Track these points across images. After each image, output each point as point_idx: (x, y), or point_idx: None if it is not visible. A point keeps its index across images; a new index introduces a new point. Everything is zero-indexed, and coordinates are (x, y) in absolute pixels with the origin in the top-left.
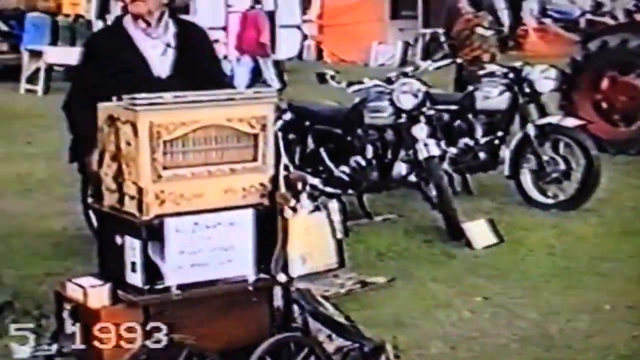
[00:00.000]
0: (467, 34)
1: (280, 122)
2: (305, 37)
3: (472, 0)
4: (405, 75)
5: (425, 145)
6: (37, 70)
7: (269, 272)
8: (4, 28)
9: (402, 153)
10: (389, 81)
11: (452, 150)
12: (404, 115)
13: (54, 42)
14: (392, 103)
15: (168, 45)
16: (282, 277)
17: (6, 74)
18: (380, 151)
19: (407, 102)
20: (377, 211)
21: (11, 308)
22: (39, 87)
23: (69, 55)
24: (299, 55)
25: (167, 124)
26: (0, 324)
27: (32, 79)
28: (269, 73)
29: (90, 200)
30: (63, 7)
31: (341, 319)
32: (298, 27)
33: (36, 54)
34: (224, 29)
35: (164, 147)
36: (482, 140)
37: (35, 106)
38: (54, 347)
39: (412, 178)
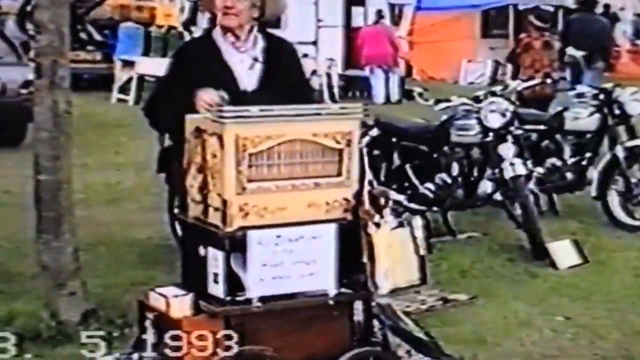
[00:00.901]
0: (530, 49)
1: (367, 138)
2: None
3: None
4: (494, 94)
5: (512, 164)
6: (129, 80)
7: (350, 287)
8: (98, 38)
9: (488, 171)
10: (477, 100)
11: (539, 170)
12: (491, 134)
13: (146, 53)
14: (479, 122)
15: (256, 59)
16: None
17: (99, 83)
18: (466, 169)
19: (495, 121)
20: (461, 229)
21: (95, 316)
22: (130, 97)
23: (161, 66)
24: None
25: (253, 137)
26: (85, 332)
27: (124, 88)
28: (394, 86)
29: (176, 210)
30: (156, 18)
31: (421, 335)
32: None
33: (128, 64)
34: (314, 43)
35: (249, 159)
36: (570, 161)
37: (125, 116)
38: (135, 356)
39: (498, 196)
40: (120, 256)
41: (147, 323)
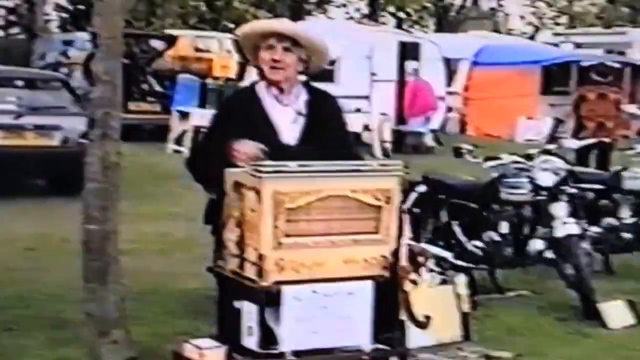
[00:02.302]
0: (585, 100)
1: (414, 194)
2: (449, 109)
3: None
4: (547, 152)
5: (564, 223)
6: (185, 131)
7: (385, 343)
8: (158, 89)
9: (540, 230)
10: (529, 158)
11: (594, 229)
12: (543, 192)
13: (202, 104)
14: (531, 180)
15: (299, 113)
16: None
17: (158, 134)
18: (516, 227)
19: (547, 180)
20: (510, 287)
21: None
22: (185, 148)
23: None
24: (442, 127)
25: (291, 192)
26: None
27: (180, 139)
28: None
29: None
30: (213, 69)
31: None
32: (442, 99)
33: (184, 115)
34: (367, 97)
35: (286, 214)
36: (628, 221)
37: (180, 167)
38: None
39: (549, 255)
40: (168, 306)
41: None
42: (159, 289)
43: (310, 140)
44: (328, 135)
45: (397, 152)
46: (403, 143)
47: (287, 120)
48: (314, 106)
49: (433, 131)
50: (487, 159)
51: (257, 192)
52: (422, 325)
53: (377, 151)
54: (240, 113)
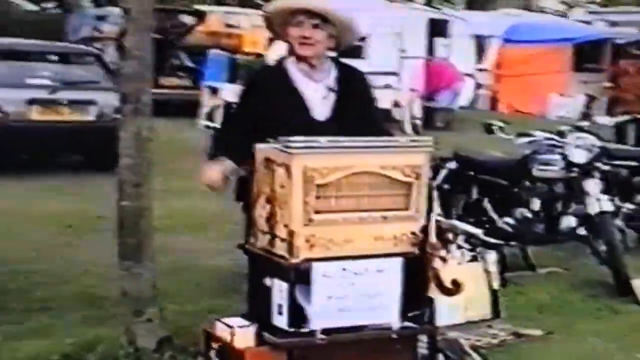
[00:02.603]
0: (626, 74)
1: (444, 171)
2: (479, 85)
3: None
4: (580, 129)
5: (598, 200)
6: (216, 106)
7: (414, 321)
8: (189, 64)
9: (572, 207)
10: (562, 134)
11: (628, 206)
12: (575, 169)
13: (232, 80)
14: (563, 157)
15: (329, 89)
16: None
17: (188, 109)
18: (548, 204)
19: (580, 157)
20: (541, 263)
21: (170, 344)
22: (216, 124)
23: None
24: (472, 104)
25: (321, 168)
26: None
27: (210, 115)
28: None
29: (246, 240)
30: (244, 45)
31: None
32: (470, 76)
33: (214, 91)
34: (396, 74)
35: (316, 191)
36: None
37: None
38: None
39: (582, 232)
40: (199, 283)
41: (212, 353)
42: (190, 266)
43: (340, 116)
44: (358, 112)
45: (427, 129)
46: (433, 119)
47: (318, 96)
48: (343, 82)
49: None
50: (519, 135)
51: (287, 168)
52: (452, 292)
53: (407, 127)
54: (269, 88)
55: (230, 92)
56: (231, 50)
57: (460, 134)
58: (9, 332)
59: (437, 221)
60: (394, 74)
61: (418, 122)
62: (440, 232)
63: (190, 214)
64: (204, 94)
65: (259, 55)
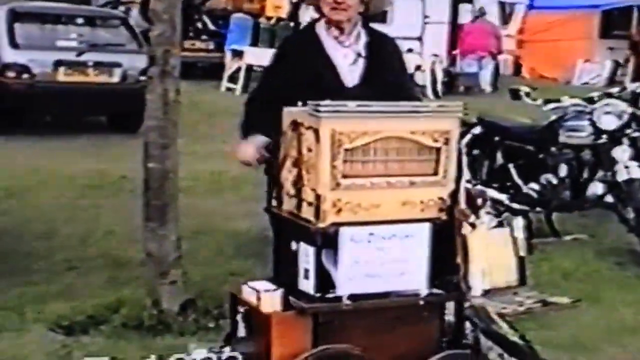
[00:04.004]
0: None
1: (468, 136)
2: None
3: None
4: (610, 95)
5: (627, 167)
6: (238, 69)
7: (442, 287)
8: (212, 28)
9: (600, 173)
10: (591, 101)
11: None
12: (604, 135)
13: (254, 44)
14: (592, 123)
15: (359, 54)
16: (476, 292)
17: (211, 72)
18: (575, 170)
19: (610, 123)
20: (567, 230)
21: (193, 306)
22: (238, 86)
23: (267, 56)
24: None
25: (349, 132)
26: (182, 322)
27: (233, 77)
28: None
29: (271, 203)
30: (266, 9)
31: (515, 339)
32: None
33: (238, 54)
34: (419, 39)
35: (344, 155)
36: None
37: (234, 104)
38: (227, 350)
39: (609, 199)
40: (220, 246)
41: (238, 317)
42: (211, 229)
43: (369, 82)
44: (388, 78)
45: (449, 94)
46: (455, 84)
47: (347, 61)
48: (373, 48)
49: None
50: (546, 101)
51: (316, 132)
52: (468, 288)
53: (430, 92)
54: (300, 54)
55: (253, 55)
56: (254, 15)
57: (482, 99)
58: (34, 293)
59: (467, 187)
60: (416, 38)
61: (440, 86)
62: (470, 197)
63: (211, 176)
64: (227, 57)
65: (281, 20)
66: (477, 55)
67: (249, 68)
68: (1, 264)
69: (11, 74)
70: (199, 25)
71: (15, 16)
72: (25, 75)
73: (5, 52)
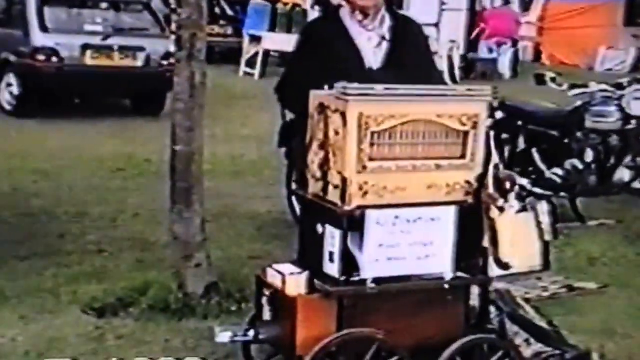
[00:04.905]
0: None
1: (490, 120)
2: (522, 38)
3: None
4: (639, 81)
5: None
6: (256, 54)
7: (467, 271)
8: (230, 13)
9: (627, 159)
10: (619, 87)
11: None
12: (633, 121)
13: (272, 29)
14: (620, 109)
15: (383, 38)
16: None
17: (229, 57)
18: (601, 156)
19: (639, 109)
20: (592, 215)
21: (217, 289)
22: (256, 71)
23: (285, 41)
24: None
25: (376, 115)
26: (206, 306)
27: (251, 62)
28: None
29: (294, 186)
30: None
31: (542, 324)
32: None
33: (255, 39)
34: (436, 25)
35: (371, 138)
36: None
37: (251, 89)
38: (252, 332)
39: (637, 185)
40: (240, 229)
41: (264, 300)
42: (231, 212)
43: (393, 65)
44: (412, 61)
45: (466, 79)
46: (473, 70)
47: (371, 45)
48: (398, 32)
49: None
50: (572, 86)
51: (343, 115)
52: (505, 267)
53: (447, 77)
54: (324, 38)
55: (271, 40)
56: (272, 0)
57: (501, 85)
58: (68, 275)
59: (495, 170)
60: (433, 25)
61: (457, 72)
62: (498, 181)
63: (231, 159)
64: (245, 42)
65: (297, 5)
66: (496, 40)
67: (267, 53)
68: (37, 244)
69: (41, 58)
70: (217, 10)
71: (44, 0)
72: (54, 59)
73: (36, 35)
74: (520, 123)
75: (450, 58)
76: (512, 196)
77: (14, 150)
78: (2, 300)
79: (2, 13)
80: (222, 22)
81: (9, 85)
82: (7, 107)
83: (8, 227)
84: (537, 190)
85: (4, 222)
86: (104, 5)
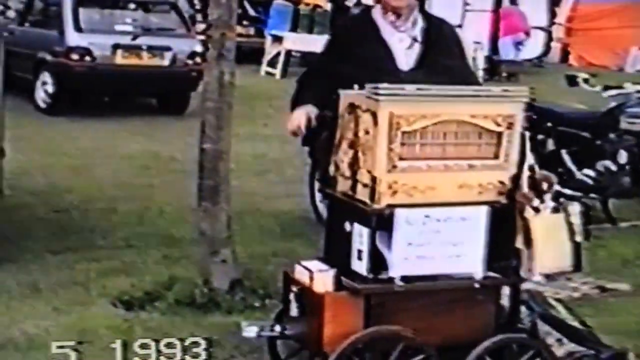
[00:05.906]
0: None
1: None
2: (550, 39)
3: None
4: None
5: None
6: (277, 54)
7: (498, 271)
8: (252, 13)
9: None
10: None
11: None
12: None
13: (294, 29)
14: None
15: (415, 39)
16: (536, 277)
17: (251, 57)
18: (635, 157)
19: None
20: (624, 217)
21: (241, 286)
22: (278, 71)
23: (307, 42)
24: (542, 56)
25: (408, 115)
26: (231, 301)
27: (272, 62)
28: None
29: (317, 185)
30: None
31: (575, 324)
32: (543, 29)
33: (277, 39)
34: (460, 26)
35: (402, 138)
36: None
37: (273, 88)
38: (278, 328)
39: None
40: (263, 227)
41: (291, 296)
42: (254, 209)
43: (425, 66)
44: (444, 62)
45: (490, 80)
46: (497, 72)
47: (403, 45)
48: (430, 33)
49: (528, 60)
50: (606, 87)
51: (373, 115)
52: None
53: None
54: (356, 38)
55: (292, 41)
56: (294, 1)
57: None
58: (98, 269)
59: (531, 171)
60: (457, 26)
61: (481, 73)
62: (534, 181)
63: (254, 158)
64: (266, 42)
65: (318, 6)
66: (514, 37)
67: (288, 53)
68: (69, 239)
69: (75, 57)
70: (240, 11)
71: (79, 1)
72: (87, 58)
73: (70, 35)
74: (549, 124)
75: (474, 59)
76: (548, 197)
77: (49, 148)
78: (36, 292)
79: (39, 14)
80: (244, 23)
81: (44, 83)
82: (42, 105)
83: (43, 223)
84: (567, 191)
85: (39, 219)
86: (133, 5)
